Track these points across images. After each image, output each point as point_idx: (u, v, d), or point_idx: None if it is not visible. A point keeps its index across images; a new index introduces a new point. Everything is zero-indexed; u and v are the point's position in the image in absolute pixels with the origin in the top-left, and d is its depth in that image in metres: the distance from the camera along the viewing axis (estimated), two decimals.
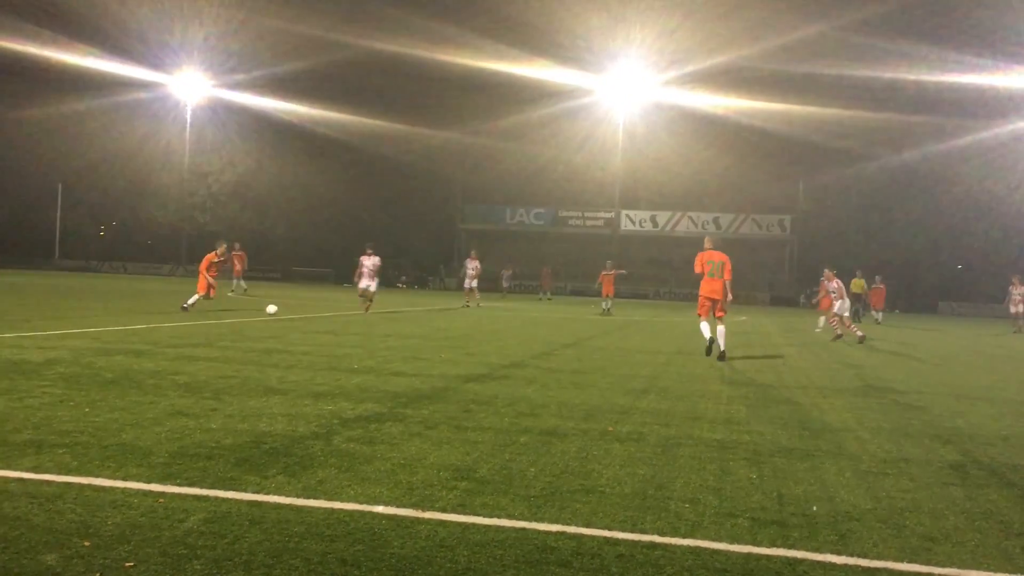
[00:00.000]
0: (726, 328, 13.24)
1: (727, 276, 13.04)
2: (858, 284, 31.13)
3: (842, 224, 61.91)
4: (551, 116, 60.97)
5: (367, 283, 21.52)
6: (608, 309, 28.91)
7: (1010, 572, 3.60)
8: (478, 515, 4.06)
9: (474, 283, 30.31)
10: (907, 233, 60.27)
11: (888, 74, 53.70)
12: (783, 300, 56.13)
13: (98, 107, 63.66)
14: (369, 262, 21.54)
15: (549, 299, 42.96)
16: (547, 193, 66.29)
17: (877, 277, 31.57)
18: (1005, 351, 19.10)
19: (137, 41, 61.18)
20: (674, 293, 57.95)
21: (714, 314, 13.17)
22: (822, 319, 22.59)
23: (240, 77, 64.76)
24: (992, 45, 51.88)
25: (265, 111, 66.58)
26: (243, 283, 30.62)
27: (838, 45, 54.92)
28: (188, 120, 68.40)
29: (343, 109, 63.68)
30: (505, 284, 46.08)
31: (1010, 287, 29.52)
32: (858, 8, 55.01)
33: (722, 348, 12.81)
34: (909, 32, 53.69)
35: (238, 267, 30.58)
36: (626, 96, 61.11)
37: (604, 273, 29.41)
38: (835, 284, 20.50)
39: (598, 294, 30.88)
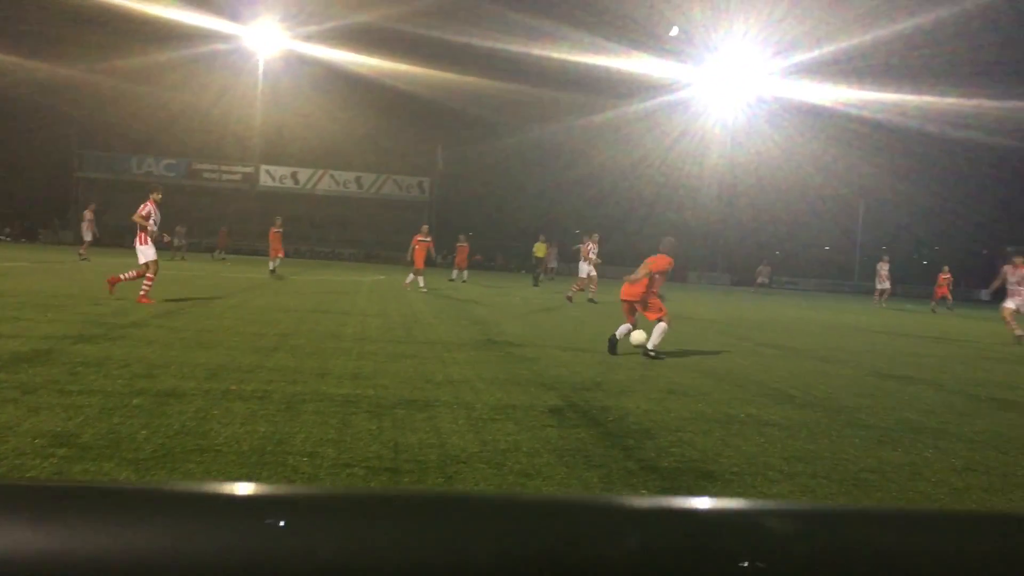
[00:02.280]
0: (665, 326, 10.64)
1: (654, 268, 10.79)
2: (541, 248, 32.97)
3: (478, 190, 65.60)
4: (183, 61, 57.00)
5: None
6: (274, 269, 26.35)
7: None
8: (76, 483, 3.77)
9: (88, 235, 28.79)
10: (538, 201, 65.44)
11: (536, 51, 57.22)
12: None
13: None
14: None
15: (223, 259, 40.10)
16: (179, 143, 62.14)
17: (461, 236, 31.45)
18: (605, 308, 21.45)
19: None
20: (314, 251, 57.51)
21: (646, 316, 10.92)
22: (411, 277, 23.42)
23: None
24: (619, 31, 57.60)
25: None
26: None
27: (486, 18, 57.53)
28: None
29: None
30: (178, 242, 40.40)
31: (581, 245, 29.99)
32: None
33: (649, 344, 10.48)
34: (552, 13, 57.71)
35: None
36: (266, 47, 59.12)
37: (274, 230, 27.05)
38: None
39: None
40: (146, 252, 13.87)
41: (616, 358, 10.10)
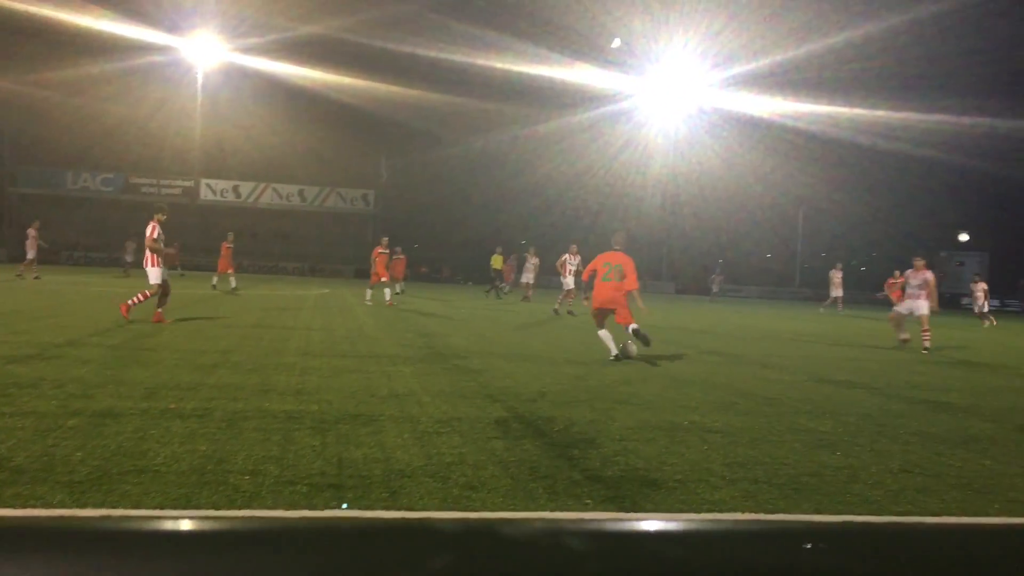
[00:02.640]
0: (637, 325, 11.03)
1: (631, 286, 11.11)
2: (498, 260, 32.95)
3: (423, 202, 65.46)
4: (119, 73, 55.82)
5: None
6: (223, 286, 26.23)
7: (532, 509, 4.11)
8: (9, 507, 3.67)
9: (32, 253, 27.85)
10: (484, 211, 65.55)
11: (479, 61, 57.30)
12: (367, 273, 57.67)
13: None
14: None
15: (182, 275, 39.20)
16: (116, 157, 60.81)
17: (398, 248, 30.55)
18: (554, 319, 21.54)
19: None
20: (257, 266, 56.70)
21: (616, 321, 11.29)
22: (369, 292, 23.22)
23: None
24: (562, 42, 58.08)
25: None
26: None
27: (430, 28, 57.53)
28: None
29: None
30: (129, 259, 38.52)
31: (526, 254, 31.04)
32: None
33: (635, 326, 10.91)
34: (495, 23, 57.91)
35: None
36: (206, 59, 58.35)
37: (225, 245, 26.94)
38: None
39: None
40: (153, 274, 13.85)
41: (561, 368, 10.13)
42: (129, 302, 13.52)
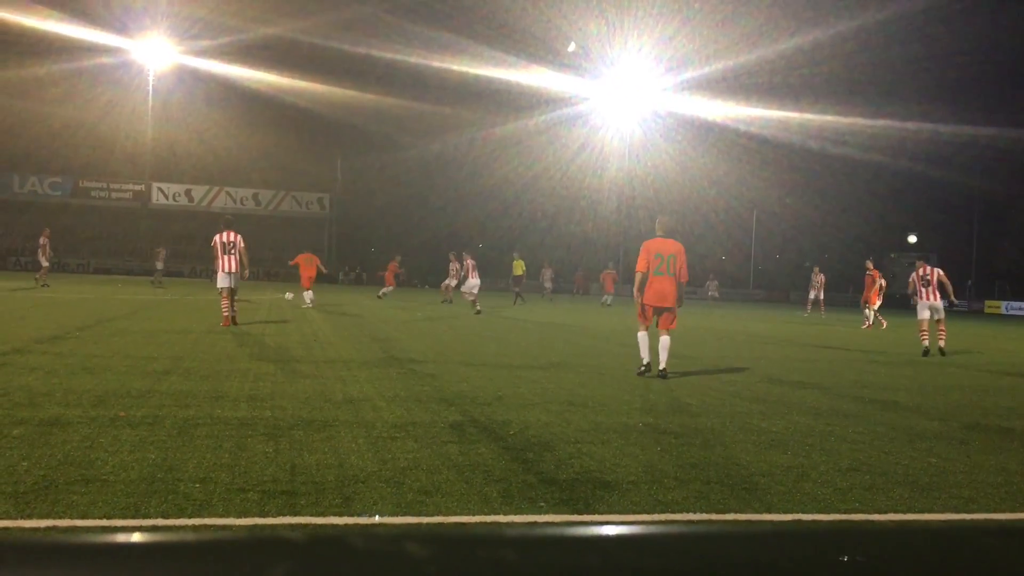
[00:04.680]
0: (670, 340, 10.04)
1: (683, 277, 9.97)
2: (519, 266, 32.83)
3: (380, 205, 65.29)
4: (66, 74, 54.86)
5: None
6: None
7: (486, 513, 4.12)
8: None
9: (45, 261, 29.00)
10: (441, 213, 65.49)
11: (436, 63, 57.27)
12: (324, 277, 57.25)
13: None
14: None
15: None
16: (64, 160, 59.69)
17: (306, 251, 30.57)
18: (509, 322, 21.57)
19: None
20: (212, 270, 55.92)
21: (657, 324, 10.04)
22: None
23: None
24: (519, 45, 58.33)
25: None
26: None
27: (386, 30, 57.40)
28: None
29: None
30: (160, 266, 37.23)
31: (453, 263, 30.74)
32: None
33: (662, 365, 9.84)
34: (450, 25, 58.02)
35: None
36: (157, 62, 57.48)
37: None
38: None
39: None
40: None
41: (517, 371, 10.13)
42: (234, 314, 15.04)
